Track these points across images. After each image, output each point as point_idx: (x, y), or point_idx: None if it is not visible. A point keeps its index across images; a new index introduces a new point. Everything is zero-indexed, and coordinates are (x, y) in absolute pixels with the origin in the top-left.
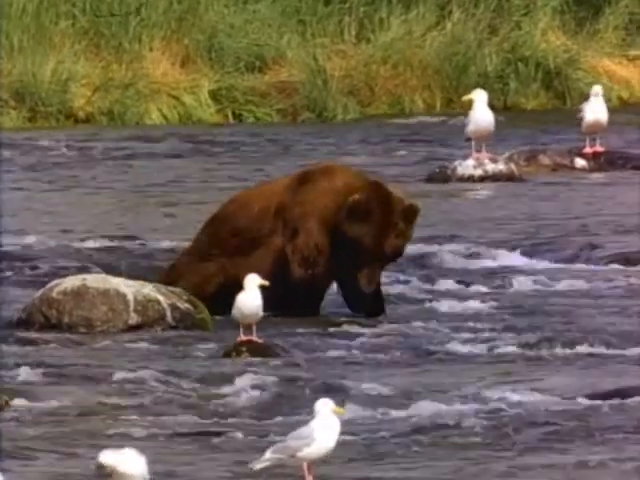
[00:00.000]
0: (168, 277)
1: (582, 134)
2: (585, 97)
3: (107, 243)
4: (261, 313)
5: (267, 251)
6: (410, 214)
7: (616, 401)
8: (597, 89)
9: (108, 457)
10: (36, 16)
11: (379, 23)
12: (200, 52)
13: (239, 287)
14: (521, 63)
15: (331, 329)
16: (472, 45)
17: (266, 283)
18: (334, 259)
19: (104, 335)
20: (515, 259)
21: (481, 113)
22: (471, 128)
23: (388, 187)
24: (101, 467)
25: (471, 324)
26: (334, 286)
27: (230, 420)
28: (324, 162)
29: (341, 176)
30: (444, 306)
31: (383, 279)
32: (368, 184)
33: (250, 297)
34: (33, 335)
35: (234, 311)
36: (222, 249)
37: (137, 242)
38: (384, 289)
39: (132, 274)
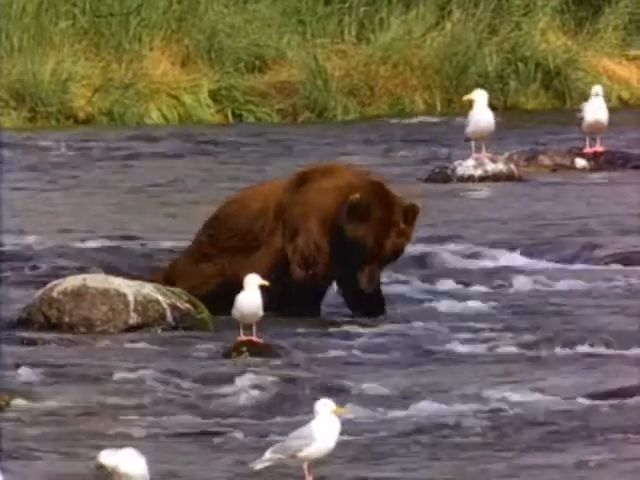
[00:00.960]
0: (167, 278)
1: (582, 134)
2: (585, 97)
3: (107, 243)
4: (261, 313)
5: (267, 251)
6: (410, 214)
7: (616, 401)
8: (597, 89)
9: (108, 458)
10: (36, 16)
11: (379, 23)
12: (200, 52)
13: (240, 287)
14: (521, 63)
15: (331, 329)
16: (472, 45)
17: (266, 283)
18: (335, 258)
19: (104, 335)
20: (515, 259)
21: (481, 113)
22: (471, 128)
23: (388, 187)
24: (101, 467)
25: (471, 324)
26: (334, 286)
27: (230, 420)
28: (324, 162)
29: (341, 175)
30: (444, 306)
31: (383, 279)
32: (368, 183)
33: (250, 297)
34: (33, 335)
35: (234, 311)
36: (221, 249)
37: (137, 242)
38: (384, 289)
39: (132, 274)
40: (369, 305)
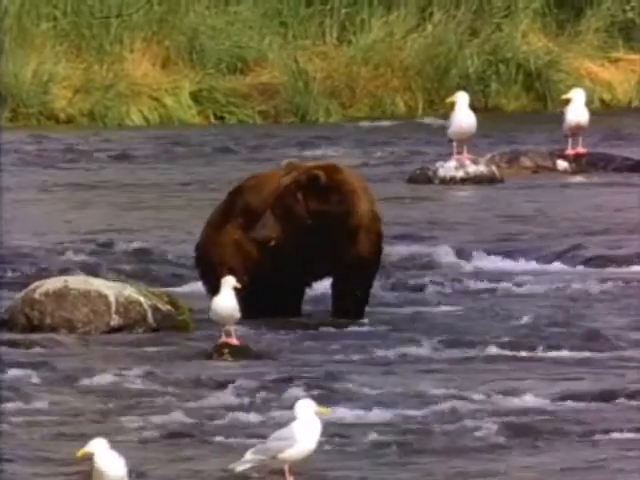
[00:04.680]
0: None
1: (564, 136)
2: (567, 101)
3: (88, 244)
4: (238, 314)
5: None
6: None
7: (615, 401)
8: (575, 91)
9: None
10: (17, 18)
11: (360, 25)
12: (181, 53)
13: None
14: (502, 65)
15: (313, 330)
16: (453, 47)
17: (239, 285)
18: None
19: (86, 336)
20: (495, 261)
21: (463, 115)
22: (453, 130)
23: (344, 170)
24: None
25: (452, 325)
26: (316, 287)
27: (211, 422)
28: (328, 161)
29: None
30: (424, 307)
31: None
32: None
33: (225, 299)
34: (15, 336)
35: (211, 314)
36: (236, 218)
37: (118, 243)
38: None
39: (113, 275)
40: (349, 305)
